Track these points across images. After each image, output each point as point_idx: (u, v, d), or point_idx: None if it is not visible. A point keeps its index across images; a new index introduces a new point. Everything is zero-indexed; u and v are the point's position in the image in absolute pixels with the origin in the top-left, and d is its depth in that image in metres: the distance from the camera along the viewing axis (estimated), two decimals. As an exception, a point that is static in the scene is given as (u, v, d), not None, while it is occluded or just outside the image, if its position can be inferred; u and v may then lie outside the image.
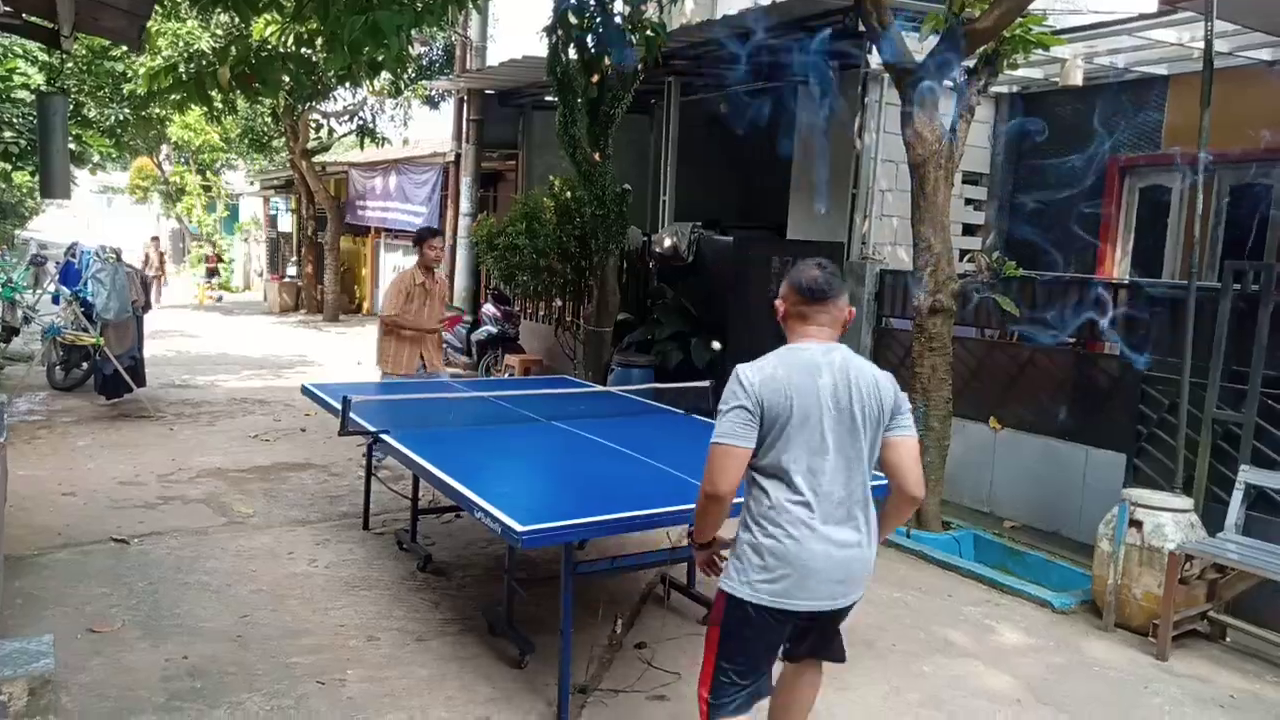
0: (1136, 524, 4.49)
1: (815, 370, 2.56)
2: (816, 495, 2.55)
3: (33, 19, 4.04)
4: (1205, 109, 4.87)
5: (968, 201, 8.25)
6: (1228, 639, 4.48)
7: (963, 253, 7.25)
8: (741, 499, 2.65)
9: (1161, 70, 7.28)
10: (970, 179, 8.21)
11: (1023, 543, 5.72)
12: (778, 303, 2.75)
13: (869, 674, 3.97)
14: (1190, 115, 5.30)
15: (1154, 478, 5.17)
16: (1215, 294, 4.92)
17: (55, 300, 9.46)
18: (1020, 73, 7.34)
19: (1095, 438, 5.65)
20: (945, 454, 5.71)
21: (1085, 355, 5.92)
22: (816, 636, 2.81)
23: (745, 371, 2.59)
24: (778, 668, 2.87)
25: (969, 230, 8.29)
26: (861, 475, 2.63)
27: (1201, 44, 5.07)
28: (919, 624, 4.53)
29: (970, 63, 5.70)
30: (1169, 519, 4.46)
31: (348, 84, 13.55)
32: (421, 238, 6.76)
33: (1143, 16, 6.28)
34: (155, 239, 20.77)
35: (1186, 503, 4.59)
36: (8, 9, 3.57)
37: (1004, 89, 8.13)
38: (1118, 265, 7.63)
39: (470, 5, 7.80)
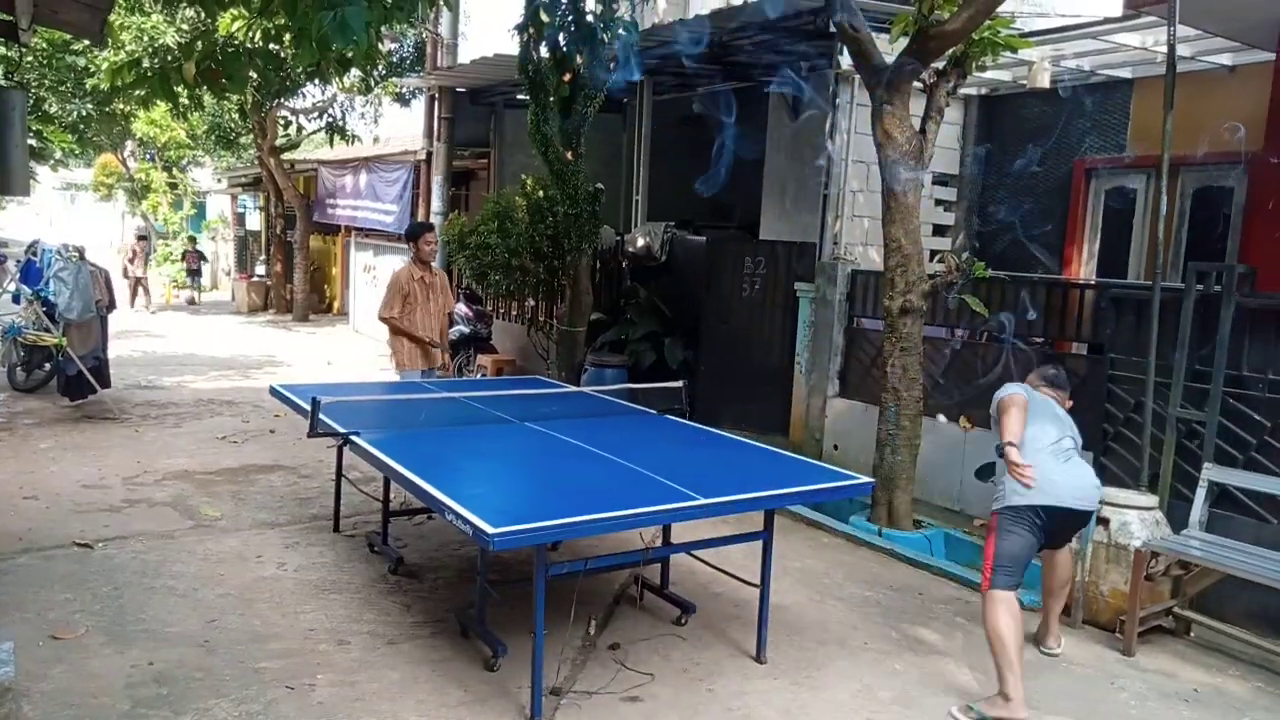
0: (1103, 522, 4.55)
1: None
2: None
3: (-10, 12, 3.96)
4: (1169, 112, 4.94)
5: (938, 202, 8.33)
6: (1192, 634, 4.55)
7: (933, 253, 7.31)
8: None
9: (1126, 74, 7.40)
10: (940, 180, 8.29)
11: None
12: (1030, 383, 4.31)
13: (841, 672, 3.99)
14: (1154, 118, 5.37)
15: (1120, 476, 5.25)
16: (1179, 294, 5.00)
17: (16, 299, 9.26)
18: (989, 75, 7.43)
19: (1062, 436, 5.71)
20: (916, 453, 5.76)
21: (1052, 355, 5.99)
22: None
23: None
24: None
25: (939, 231, 8.38)
26: None
27: (1165, 48, 5.15)
28: (890, 622, 4.56)
29: (939, 64, 5.75)
30: (1135, 517, 4.53)
31: (316, 80, 13.43)
32: (416, 233, 6.73)
33: (1108, 20, 6.36)
34: (144, 239, 19.69)
35: (1152, 500, 4.66)
36: (-37, 2, 3.49)
37: (972, 91, 8.21)
38: (1084, 266, 7.73)
39: (441, 2, 7.76)
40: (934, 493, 6.36)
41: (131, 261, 18.15)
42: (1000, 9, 5.40)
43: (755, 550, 4.07)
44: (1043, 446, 3.92)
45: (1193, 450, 4.95)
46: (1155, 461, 5.01)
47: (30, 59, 12.58)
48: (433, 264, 6.75)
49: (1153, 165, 6.19)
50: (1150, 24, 6.14)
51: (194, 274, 20.46)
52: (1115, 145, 7.53)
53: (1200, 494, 4.64)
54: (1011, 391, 4.02)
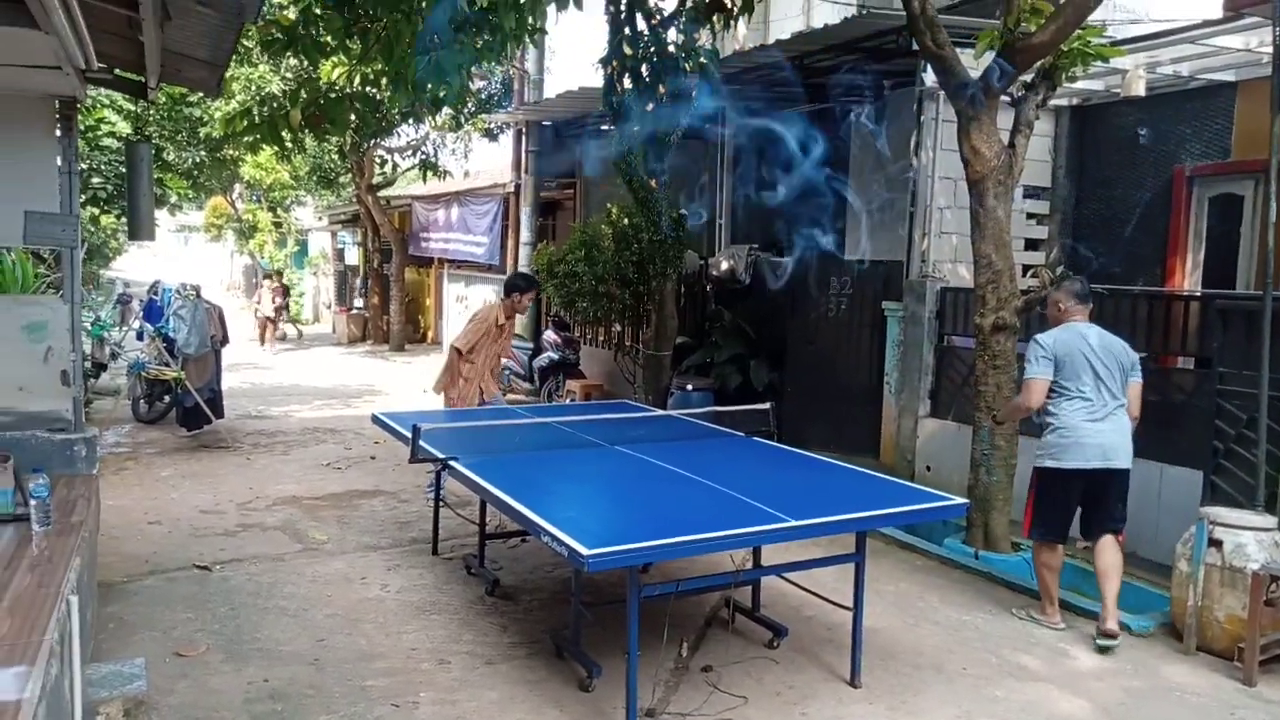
0: (1216, 543, 4.35)
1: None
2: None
3: (122, 73, 4.31)
4: (1276, 114, 4.74)
5: (1029, 216, 8.13)
6: (1319, 663, 4.30)
7: (1025, 268, 7.14)
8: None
9: (1229, 76, 7.10)
10: (1031, 193, 8.09)
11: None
12: (1059, 302, 4.69)
13: (939, 698, 3.91)
14: (1260, 121, 5.17)
15: (1233, 495, 5.01)
16: (1292, 304, 4.77)
17: (139, 337, 9.90)
18: (1080, 85, 7.24)
19: (1170, 454, 5.50)
20: (1013, 473, 5.61)
21: (1158, 370, 5.77)
22: None
23: (1050, 336, 4.59)
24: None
25: (1031, 245, 8.16)
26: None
27: (1270, 49, 4.96)
28: (989, 647, 4.45)
29: (1027, 77, 5.66)
30: (1251, 538, 4.32)
31: (411, 120, 13.95)
32: (519, 287, 6.74)
33: (1207, 23, 6.15)
34: (278, 276, 19.74)
35: (1269, 521, 4.43)
36: (101, 65, 3.81)
37: (1063, 102, 8.01)
38: (1188, 277, 7.42)
39: (528, 40, 8.02)
40: (1034, 514, 6.16)
41: (260, 301, 18.57)
42: (1090, 18, 5.30)
43: (847, 573, 4.04)
44: (1077, 407, 4.44)
45: (1313, 468, 4.70)
46: (1271, 480, 4.77)
47: (152, 112, 13.48)
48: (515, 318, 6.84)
49: (1260, 169, 5.93)
50: (1253, 25, 5.90)
51: (281, 309, 20.60)
52: (1219, 151, 7.23)
53: (1323, 514, 4.39)
54: (1033, 375, 4.53)
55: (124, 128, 11.34)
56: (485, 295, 14.74)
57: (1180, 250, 7.45)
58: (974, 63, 5.81)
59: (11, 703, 2.04)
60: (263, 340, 18.06)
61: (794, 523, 3.48)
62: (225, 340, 9.69)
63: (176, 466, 7.89)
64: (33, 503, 3.24)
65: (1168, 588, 4.69)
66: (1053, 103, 7.40)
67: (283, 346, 18.22)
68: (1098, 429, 4.43)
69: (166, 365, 8.93)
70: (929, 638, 4.56)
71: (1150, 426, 5.63)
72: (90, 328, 9.77)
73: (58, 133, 4.21)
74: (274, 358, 16.64)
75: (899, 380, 7.41)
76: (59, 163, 4.22)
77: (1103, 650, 4.38)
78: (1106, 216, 7.93)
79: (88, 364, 9.53)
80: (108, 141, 11.08)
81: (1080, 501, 4.57)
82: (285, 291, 20.51)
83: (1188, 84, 7.27)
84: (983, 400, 5.61)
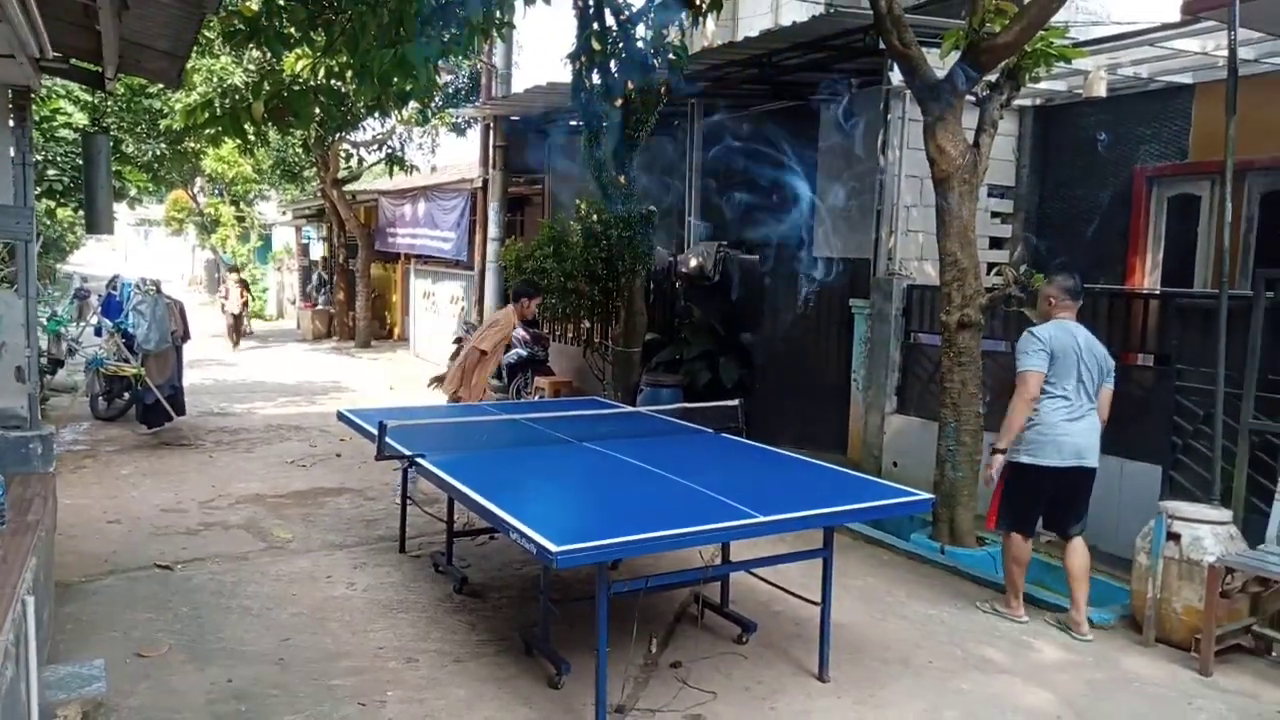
0: (1174, 537, 4.44)
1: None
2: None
3: (79, 63, 4.21)
4: (1231, 117, 4.85)
5: (994, 215, 8.24)
6: (1273, 653, 4.40)
7: (990, 266, 7.24)
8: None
9: (1186, 79, 7.25)
10: (996, 192, 8.20)
11: (1059, 557, 5.65)
12: (1050, 297, 4.67)
13: (906, 691, 3.95)
14: (1217, 123, 5.27)
15: (1191, 489, 5.12)
16: (1248, 302, 4.88)
17: (98, 332, 9.71)
18: (1043, 85, 7.35)
19: (1130, 450, 5.60)
20: (977, 468, 5.68)
21: (1119, 366, 5.86)
22: None
23: (1043, 331, 4.58)
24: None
25: (996, 244, 8.28)
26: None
27: (1226, 52, 5.06)
28: (955, 640, 4.51)
29: (992, 77, 5.72)
30: (1207, 531, 4.41)
31: (377, 114, 13.81)
32: (527, 293, 7.08)
33: (1165, 26, 6.27)
34: (237, 270, 19.14)
35: (1225, 514, 4.54)
36: (57, 54, 3.72)
37: (1027, 101, 8.12)
38: (1148, 276, 7.57)
39: (495, 34, 7.97)
40: (997, 509, 6.24)
41: (227, 297, 17.70)
42: (1053, 19, 5.37)
43: (815, 568, 4.07)
44: (1058, 406, 4.50)
45: (1266, 462, 4.81)
46: (1227, 475, 4.88)
47: (110, 104, 13.19)
48: None
49: (1217, 171, 6.05)
50: (1210, 29, 6.03)
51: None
52: (1177, 152, 7.37)
53: (1277, 507, 4.49)
54: (1031, 367, 4.50)
55: (81, 119, 11.11)
56: (452, 291, 14.64)
57: (1140, 249, 7.60)
58: (940, 62, 5.86)
59: (-36, 707, 1.99)
60: (234, 339, 17.32)
61: (762, 518, 3.50)
62: (186, 336, 9.53)
63: (136, 464, 7.75)
64: (-14, 502, 3.16)
65: (1128, 581, 4.78)
66: (1017, 103, 7.52)
67: (245, 344, 17.91)
68: (1075, 429, 4.50)
69: (126, 361, 8.76)
70: (896, 632, 4.61)
71: (1111, 422, 5.73)
72: (46, 323, 9.57)
73: (10, 123, 4.10)
74: (237, 354, 16.39)
75: (866, 377, 7.48)
76: (12, 153, 4.12)
77: (1080, 640, 4.53)
78: (1069, 215, 8.06)
79: (43, 360, 9.32)
80: (64, 133, 10.83)
81: (1050, 498, 4.63)
82: (245, 286, 19.47)
83: (1147, 85, 7.40)
84: (948, 396, 5.67)
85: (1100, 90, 7.03)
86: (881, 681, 4.04)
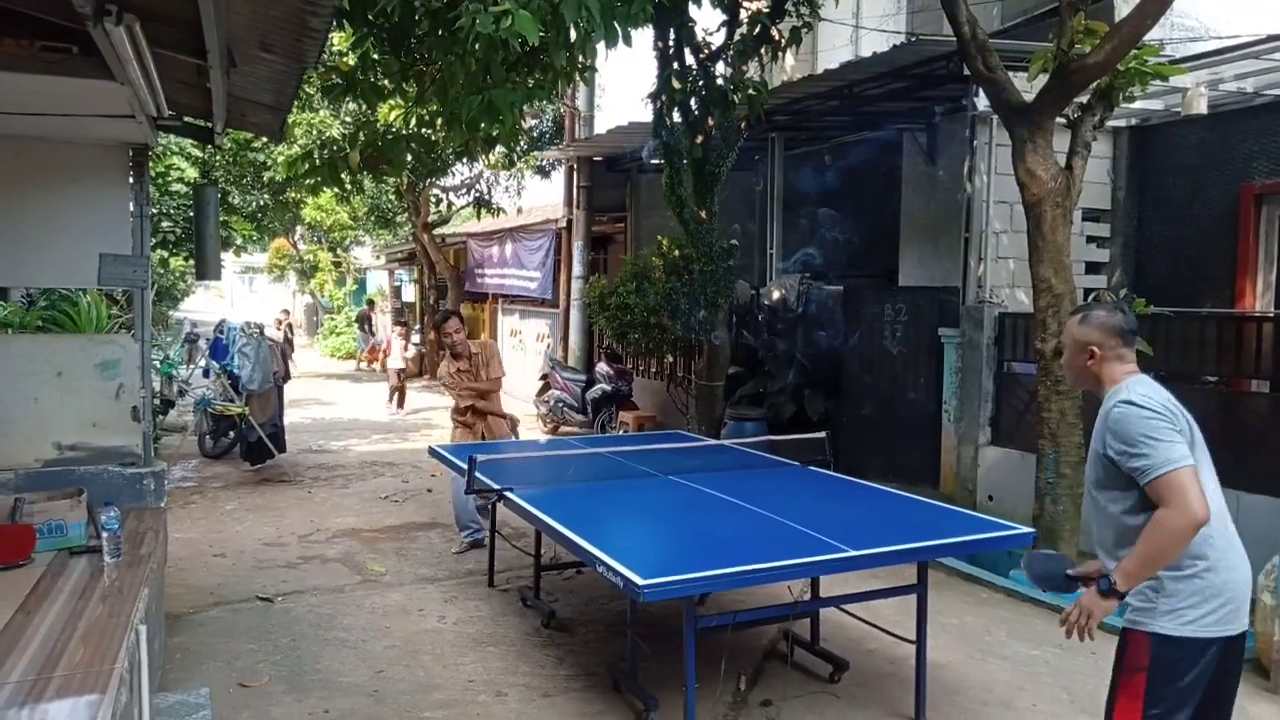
0: (1301, 575, 4.13)
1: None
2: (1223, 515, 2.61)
3: (190, 119, 4.49)
4: (1347, 129, 4.59)
5: (1089, 239, 7.97)
6: None
7: (1087, 292, 6.98)
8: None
9: (1296, 92, 6.92)
10: (1091, 216, 7.93)
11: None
12: (1092, 346, 2.73)
13: (1008, 736, 3.78)
14: (1331, 136, 5.01)
15: (1318, 524, 4.78)
16: (1374, 324, 4.58)
17: (206, 374, 10.20)
18: (1139, 105, 7.10)
19: (1248, 482, 5.27)
20: (1079, 502, 5.44)
21: (1231, 394, 5.58)
22: None
23: (1150, 397, 2.57)
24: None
25: (1092, 269, 7.99)
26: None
27: (1338, 62, 4.81)
28: (1061, 683, 4.30)
29: (1084, 98, 5.57)
30: (1338, 569, 4.10)
31: (465, 159, 14.24)
32: (443, 319, 7.00)
33: (1271, 38, 6.00)
34: (404, 323, 18.14)
35: (1357, 551, 4.22)
36: (171, 113, 3.98)
37: (1122, 122, 7.87)
38: (1259, 298, 7.18)
39: (578, 78, 8.17)
40: (1103, 545, 5.96)
41: (388, 351, 15.37)
42: (1148, 37, 5.21)
43: (908, 605, 3.95)
44: (1220, 523, 2.55)
45: (1404, 495, 4.47)
46: (1359, 508, 4.54)
47: (218, 158, 13.99)
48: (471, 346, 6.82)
49: (1333, 186, 5.73)
50: (1319, 38, 5.75)
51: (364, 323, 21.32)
52: (1289, 168, 7.02)
53: None
54: (1180, 461, 2.43)
55: (192, 173, 11.78)
56: (539, 329, 14.88)
57: (1250, 270, 7.22)
58: (1027, 85, 5.74)
59: (83, 729, 2.09)
60: (399, 400, 14.37)
61: (853, 552, 3.42)
62: (287, 376, 9.93)
63: (240, 500, 8.07)
64: (104, 535, 3.33)
65: (1251, 623, 4.47)
66: (1110, 123, 7.28)
67: (342, 384, 18.48)
68: (1244, 561, 2.64)
69: (231, 401, 9.18)
70: (997, 673, 4.42)
71: (1226, 454, 5.44)
72: (159, 366, 10.10)
73: (130, 179, 4.39)
74: (336, 394, 16.95)
75: (958, 408, 7.27)
76: (131, 207, 4.40)
77: None
78: (1171, 237, 7.73)
79: (157, 401, 9.83)
80: (176, 187, 11.52)
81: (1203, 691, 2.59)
82: (408, 335, 16.44)
83: (1253, 100, 7.08)
84: (1046, 427, 5.47)
85: (1201, 107, 6.76)
86: (982, 725, 3.87)
